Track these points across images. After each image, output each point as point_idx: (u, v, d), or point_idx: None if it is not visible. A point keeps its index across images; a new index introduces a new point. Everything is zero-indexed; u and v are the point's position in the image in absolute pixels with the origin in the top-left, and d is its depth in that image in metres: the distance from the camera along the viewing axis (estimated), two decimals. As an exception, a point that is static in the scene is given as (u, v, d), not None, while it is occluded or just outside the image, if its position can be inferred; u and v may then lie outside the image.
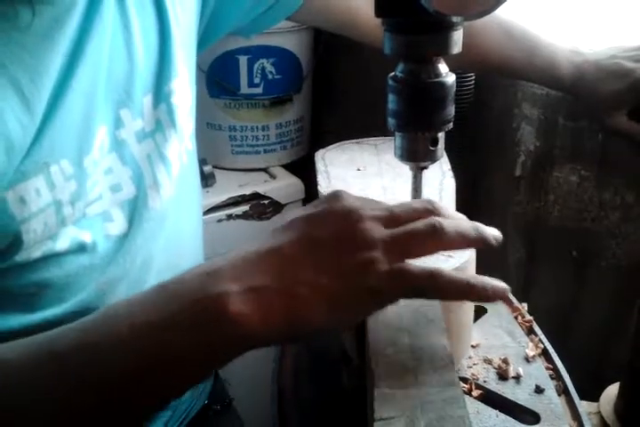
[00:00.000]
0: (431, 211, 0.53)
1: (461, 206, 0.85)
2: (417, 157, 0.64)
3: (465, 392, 0.68)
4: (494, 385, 0.69)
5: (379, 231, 0.50)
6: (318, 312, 0.47)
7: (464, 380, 0.70)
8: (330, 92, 1.70)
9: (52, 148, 0.62)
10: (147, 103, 0.74)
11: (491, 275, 0.77)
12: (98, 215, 0.69)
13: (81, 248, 0.67)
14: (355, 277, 0.48)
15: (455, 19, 0.55)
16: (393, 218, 0.52)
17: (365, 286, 0.48)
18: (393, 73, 0.62)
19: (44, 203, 0.62)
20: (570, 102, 1.11)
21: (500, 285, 0.53)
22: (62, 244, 0.65)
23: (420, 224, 0.51)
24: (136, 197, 0.74)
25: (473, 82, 1.23)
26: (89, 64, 0.65)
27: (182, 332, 0.46)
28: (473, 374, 0.71)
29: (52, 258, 0.65)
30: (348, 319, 0.50)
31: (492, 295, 0.52)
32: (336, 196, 0.53)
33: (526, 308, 0.83)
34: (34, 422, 0.47)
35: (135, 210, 0.74)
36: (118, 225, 0.72)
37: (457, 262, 0.67)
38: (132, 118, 0.72)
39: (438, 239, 0.51)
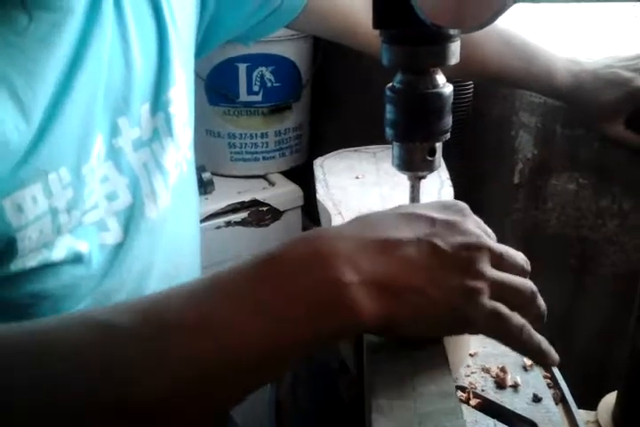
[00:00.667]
0: (525, 272, 0.57)
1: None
2: (414, 167, 0.64)
3: (463, 401, 0.68)
4: (492, 394, 0.69)
5: (490, 268, 0.52)
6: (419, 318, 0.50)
7: (462, 389, 0.70)
8: (328, 100, 1.71)
9: (50, 155, 0.62)
10: (144, 112, 0.74)
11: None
12: (93, 224, 0.69)
13: (77, 258, 0.66)
14: (459, 299, 0.50)
15: (452, 31, 0.55)
16: (502, 259, 0.54)
17: (464, 312, 0.50)
18: (391, 84, 0.62)
19: (40, 211, 0.61)
20: (567, 111, 1.11)
21: (556, 357, 0.56)
22: (58, 253, 0.64)
23: (524, 283, 0.55)
24: (132, 205, 0.73)
25: (471, 90, 1.23)
26: (88, 71, 0.65)
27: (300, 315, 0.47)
28: (471, 383, 0.71)
29: (47, 268, 0.64)
30: (427, 333, 0.53)
31: (545, 363, 0.58)
32: (463, 209, 0.56)
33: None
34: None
35: (131, 219, 0.73)
36: (114, 234, 0.71)
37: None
38: (130, 127, 0.72)
39: (528, 306, 0.55)
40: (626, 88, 0.91)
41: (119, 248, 0.72)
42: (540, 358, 0.56)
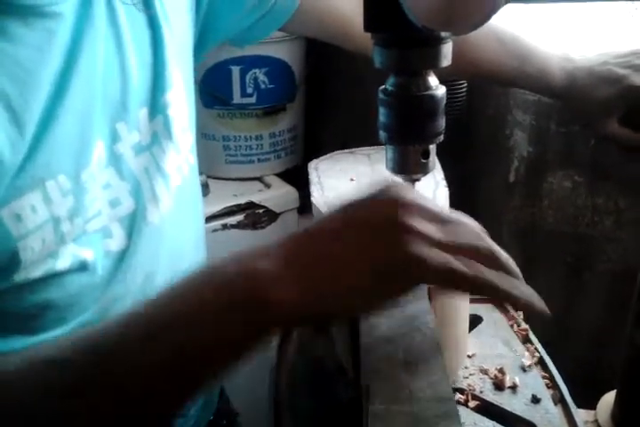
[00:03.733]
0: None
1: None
2: (409, 169, 0.64)
3: (461, 403, 0.68)
4: (491, 396, 0.69)
5: (412, 220, 0.49)
6: (360, 281, 0.48)
7: (460, 391, 0.70)
8: (323, 101, 1.71)
9: (47, 163, 0.61)
10: (143, 116, 0.73)
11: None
12: (97, 231, 0.68)
13: (82, 267, 0.66)
14: (401, 247, 0.48)
15: (444, 33, 0.55)
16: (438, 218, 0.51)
17: (410, 254, 0.47)
18: (383, 86, 0.62)
19: (40, 219, 0.61)
20: (562, 108, 1.11)
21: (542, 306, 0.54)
22: (63, 262, 0.64)
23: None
24: (135, 211, 0.73)
25: (465, 89, 1.23)
26: (82, 77, 0.64)
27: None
28: (469, 385, 0.71)
29: (52, 278, 0.64)
30: (388, 294, 0.49)
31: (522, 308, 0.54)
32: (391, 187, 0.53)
33: (522, 316, 0.83)
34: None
35: (134, 225, 0.73)
36: (118, 241, 0.71)
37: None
38: (129, 132, 0.71)
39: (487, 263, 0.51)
40: (620, 85, 0.91)
41: (123, 254, 0.71)
42: (495, 294, 0.52)
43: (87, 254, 0.67)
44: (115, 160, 0.70)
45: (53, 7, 0.62)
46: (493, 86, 1.24)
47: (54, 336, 0.66)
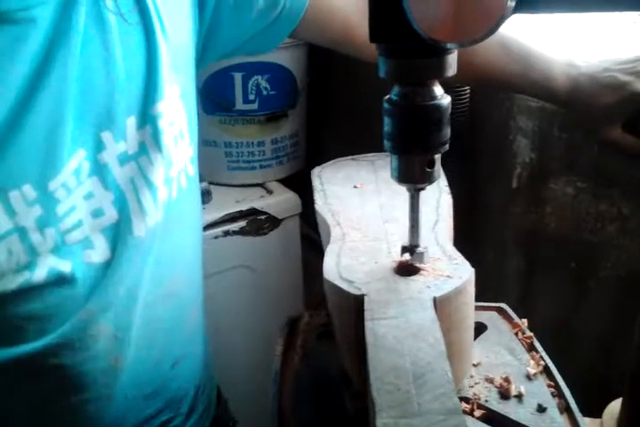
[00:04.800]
0: None
1: (459, 220, 0.85)
2: (414, 178, 0.64)
3: (467, 413, 0.68)
4: (496, 405, 0.69)
5: None
6: None
7: (466, 400, 0.69)
8: (325, 107, 1.71)
9: (9, 172, 0.61)
10: (130, 125, 0.72)
11: (490, 288, 0.77)
12: (78, 243, 0.68)
13: (60, 279, 0.66)
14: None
15: (449, 44, 0.55)
16: None
17: None
18: (388, 96, 0.62)
19: (3, 230, 0.60)
20: (565, 114, 1.11)
21: None
22: (39, 274, 0.64)
23: None
24: (118, 222, 0.72)
25: (468, 95, 1.23)
26: (52, 85, 0.64)
27: None
28: (475, 394, 0.70)
29: (30, 290, 0.63)
30: None
31: None
32: None
33: (526, 324, 0.83)
34: None
35: (118, 236, 0.72)
36: (100, 252, 0.70)
37: (457, 282, 0.67)
38: (115, 141, 0.70)
39: None
40: (624, 92, 0.91)
41: (106, 267, 0.71)
42: None
43: (65, 267, 0.66)
44: (98, 169, 0.69)
45: (24, 13, 0.61)
46: (496, 92, 1.24)
47: (34, 348, 0.66)
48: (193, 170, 0.83)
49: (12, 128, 0.61)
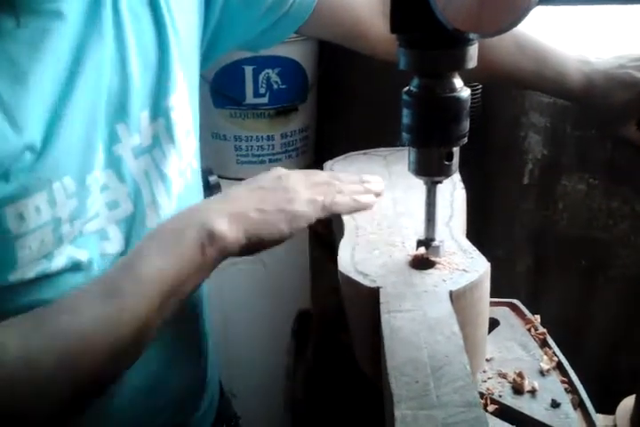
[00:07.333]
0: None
1: (471, 215, 0.85)
2: (431, 171, 0.64)
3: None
4: (510, 400, 0.69)
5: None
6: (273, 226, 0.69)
7: (479, 394, 0.69)
8: (335, 102, 1.70)
9: (56, 164, 0.61)
10: (144, 118, 0.72)
11: (500, 285, 0.77)
12: (94, 233, 0.68)
13: (76, 267, 0.66)
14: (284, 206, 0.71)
15: (472, 35, 0.55)
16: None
17: (291, 210, 0.71)
18: (407, 87, 0.61)
19: (42, 220, 0.61)
20: (577, 111, 1.11)
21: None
22: (58, 263, 0.64)
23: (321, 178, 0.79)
24: (133, 214, 0.72)
25: (480, 91, 1.23)
26: (89, 78, 0.64)
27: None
28: (488, 389, 0.70)
29: (46, 278, 0.63)
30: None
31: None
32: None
33: (539, 320, 0.83)
34: None
35: (132, 228, 0.72)
36: (115, 243, 0.71)
37: (473, 276, 0.67)
38: (129, 134, 0.71)
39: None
40: (638, 89, 0.90)
41: (120, 257, 0.70)
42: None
43: (82, 255, 0.66)
44: (114, 162, 0.70)
45: (50, 5, 0.61)
46: (508, 88, 1.23)
47: None
48: (196, 163, 0.83)
49: (56, 120, 0.61)
